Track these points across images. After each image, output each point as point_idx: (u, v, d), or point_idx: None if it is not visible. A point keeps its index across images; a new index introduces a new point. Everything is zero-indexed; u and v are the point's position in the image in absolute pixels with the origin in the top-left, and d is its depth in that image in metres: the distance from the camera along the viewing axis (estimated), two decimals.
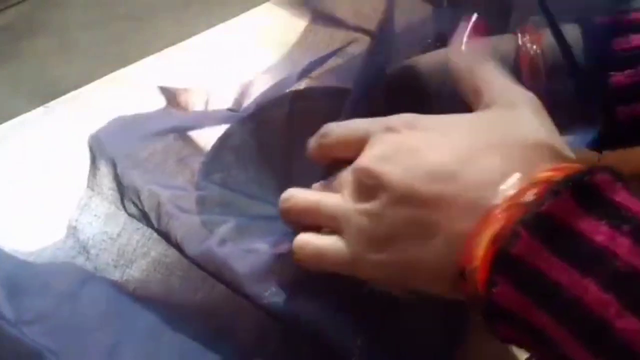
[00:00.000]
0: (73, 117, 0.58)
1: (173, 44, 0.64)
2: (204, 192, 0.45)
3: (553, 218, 0.28)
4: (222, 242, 0.40)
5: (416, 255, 0.34)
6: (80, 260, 0.45)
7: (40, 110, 0.59)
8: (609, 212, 0.28)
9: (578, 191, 0.28)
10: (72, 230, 0.46)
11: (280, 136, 0.47)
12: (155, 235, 0.43)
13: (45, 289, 0.43)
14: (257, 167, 0.47)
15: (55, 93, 0.60)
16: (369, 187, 0.35)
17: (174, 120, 0.50)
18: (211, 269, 0.40)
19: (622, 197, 0.28)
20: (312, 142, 0.40)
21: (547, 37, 0.40)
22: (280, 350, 0.40)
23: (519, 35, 0.41)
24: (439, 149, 0.34)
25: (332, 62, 0.50)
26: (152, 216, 0.42)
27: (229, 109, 0.50)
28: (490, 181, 0.31)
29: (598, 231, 0.27)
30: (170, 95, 0.52)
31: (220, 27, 0.66)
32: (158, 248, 0.43)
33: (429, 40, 0.47)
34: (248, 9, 0.67)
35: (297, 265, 0.39)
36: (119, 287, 0.43)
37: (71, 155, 0.55)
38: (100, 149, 0.46)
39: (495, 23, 0.42)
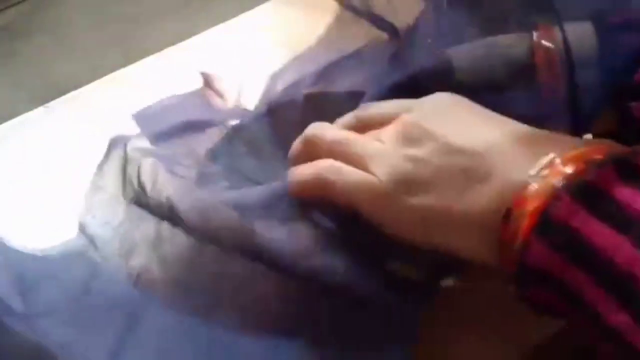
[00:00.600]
0: (73, 117, 0.58)
1: (173, 44, 0.64)
2: (207, 170, 0.45)
3: (595, 186, 0.29)
4: (213, 192, 0.40)
5: (457, 201, 0.34)
6: (89, 254, 0.45)
7: (40, 110, 0.59)
8: None
9: (620, 166, 0.30)
10: (82, 228, 0.46)
11: (292, 134, 0.47)
12: (153, 217, 0.43)
13: (55, 281, 0.43)
14: (264, 161, 0.47)
15: (55, 93, 0.60)
16: (414, 138, 0.36)
17: (194, 113, 0.50)
18: (200, 220, 0.40)
19: None
20: (349, 116, 0.41)
21: (560, 33, 0.40)
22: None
23: (533, 32, 0.41)
24: (479, 123, 0.37)
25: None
26: (149, 187, 0.42)
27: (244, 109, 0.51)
28: (532, 152, 0.33)
29: (636, 200, 0.29)
30: (209, 80, 0.52)
31: (220, 27, 0.66)
32: (152, 227, 0.43)
33: (429, 40, 0.47)
34: (248, 9, 0.67)
35: (314, 200, 0.39)
36: (128, 279, 0.43)
37: (71, 155, 0.55)
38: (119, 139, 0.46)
39: (493, 24, 0.42)
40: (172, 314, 0.42)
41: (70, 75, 0.60)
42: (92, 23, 0.70)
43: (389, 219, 0.37)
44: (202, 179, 0.44)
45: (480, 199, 0.34)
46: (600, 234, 0.29)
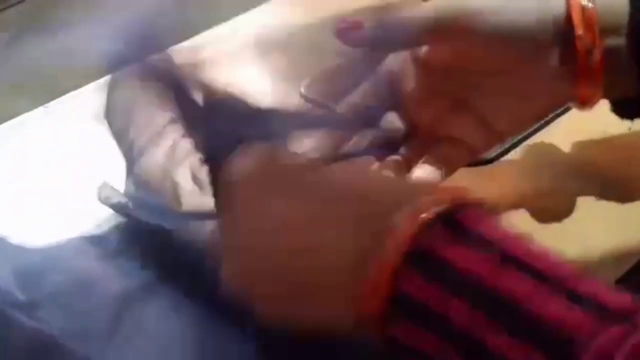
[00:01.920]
0: (73, 117, 0.58)
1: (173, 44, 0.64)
2: None
3: (425, 249, 0.31)
4: None
5: (322, 237, 0.34)
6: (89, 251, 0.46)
7: (40, 110, 0.59)
8: (473, 241, 0.31)
9: (448, 225, 0.31)
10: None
11: None
12: None
13: (57, 271, 0.44)
14: None
15: (55, 93, 0.60)
16: None
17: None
18: None
19: (486, 226, 0.31)
20: None
21: None
22: None
23: None
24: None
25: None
26: None
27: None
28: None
29: (463, 258, 0.30)
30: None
31: (220, 27, 0.66)
32: None
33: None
34: (248, 9, 0.67)
35: None
36: (132, 267, 0.44)
37: (71, 155, 0.55)
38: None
39: None
40: (171, 307, 0.42)
41: (70, 75, 0.60)
42: (92, 23, 0.70)
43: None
44: None
45: (345, 239, 0.33)
46: (432, 296, 0.30)
